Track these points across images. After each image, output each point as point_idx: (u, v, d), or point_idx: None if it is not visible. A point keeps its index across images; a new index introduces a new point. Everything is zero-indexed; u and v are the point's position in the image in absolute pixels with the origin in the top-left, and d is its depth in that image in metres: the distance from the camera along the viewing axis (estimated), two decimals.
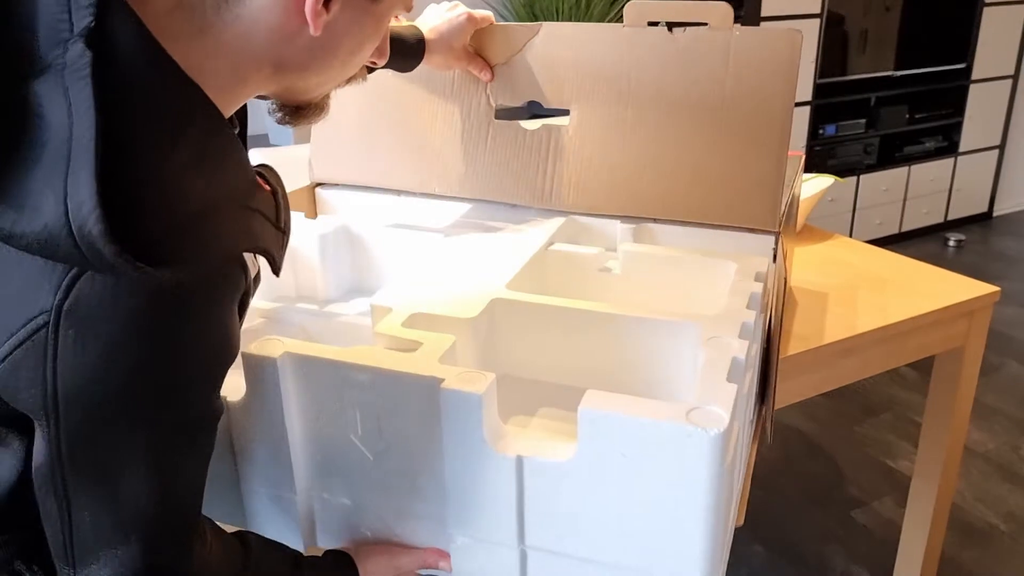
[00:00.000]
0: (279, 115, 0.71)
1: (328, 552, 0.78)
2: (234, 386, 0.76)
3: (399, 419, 0.72)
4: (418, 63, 1.10)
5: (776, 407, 1.31)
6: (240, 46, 0.59)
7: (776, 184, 1.01)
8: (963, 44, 3.65)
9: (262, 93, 0.67)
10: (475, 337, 0.86)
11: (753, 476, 1.08)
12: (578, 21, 2.65)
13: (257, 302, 0.91)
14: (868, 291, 1.48)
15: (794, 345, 1.28)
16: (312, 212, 1.28)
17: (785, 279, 1.13)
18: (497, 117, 1.15)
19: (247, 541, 0.71)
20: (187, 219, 0.54)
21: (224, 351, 0.61)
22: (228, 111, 0.62)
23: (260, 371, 0.74)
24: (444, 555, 0.77)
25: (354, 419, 0.74)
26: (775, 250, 1.03)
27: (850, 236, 3.53)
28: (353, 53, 0.67)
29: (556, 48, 1.09)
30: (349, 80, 0.72)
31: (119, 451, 0.57)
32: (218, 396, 0.64)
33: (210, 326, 0.59)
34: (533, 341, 0.91)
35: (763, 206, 1.03)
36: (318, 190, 1.28)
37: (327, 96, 0.72)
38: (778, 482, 2.13)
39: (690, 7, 1.02)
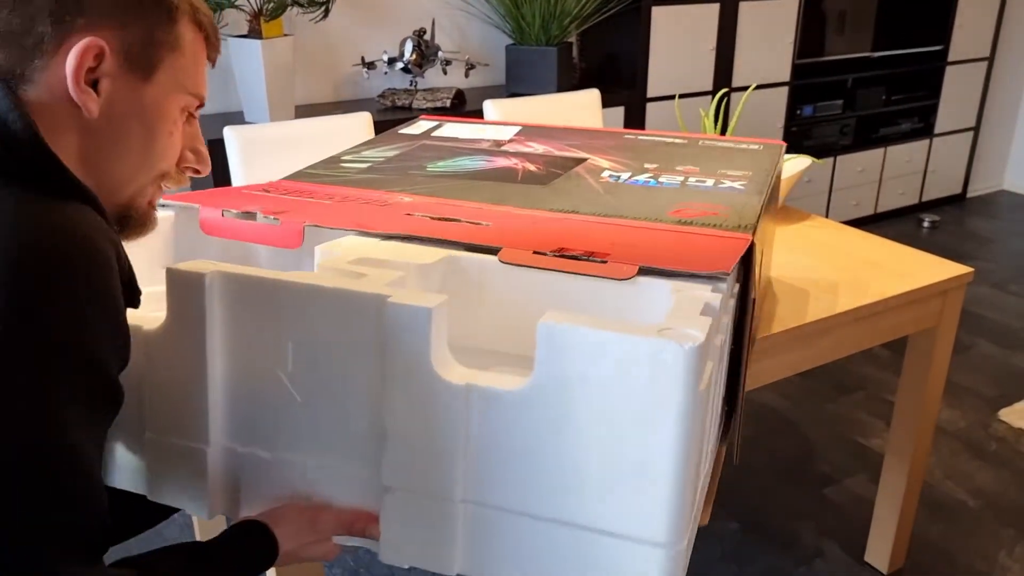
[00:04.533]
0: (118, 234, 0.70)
1: (233, 525, 0.71)
2: (155, 316, 0.70)
3: (337, 348, 0.65)
4: None
5: (751, 387, 1.33)
6: (54, 134, 0.63)
7: None
8: (940, 26, 3.67)
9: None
10: (426, 289, 0.79)
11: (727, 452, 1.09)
12: (552, 12, 2.64)
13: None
14: (843, 271, 1.50)
15: (769, 326, 1.29)
16: None
17: (758, 285, 1.08)
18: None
19: (131, 562, 0.64)
20: None
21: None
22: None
23: (185, 291, 0.66)
24: (372, 518, 0.70)
25: (285, 352, 0.66)
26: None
27: (826, 216, 3.55)
28: (148, 141, 0.69)
29: None
30: (165, 179, 0.73)
31: None
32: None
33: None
34: (489, 306, 0.83)
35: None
36: None
37: (147, 207, 0.73)
38: (751, 459, 2.16)
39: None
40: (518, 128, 1.41)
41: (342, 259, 0.77)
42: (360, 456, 0.67)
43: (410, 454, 0.65)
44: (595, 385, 0.59)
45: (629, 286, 0.78)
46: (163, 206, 0.99)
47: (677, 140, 1.35)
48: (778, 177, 1.25)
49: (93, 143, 0.66)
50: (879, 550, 1.78)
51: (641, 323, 0.76)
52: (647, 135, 1.38)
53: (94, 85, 0.65)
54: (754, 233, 0.94)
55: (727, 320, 0.81)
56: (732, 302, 0.86)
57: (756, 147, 1.31)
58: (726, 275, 0.77)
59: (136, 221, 0.72)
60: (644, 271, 0.78)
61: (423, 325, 0.61)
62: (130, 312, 0.64)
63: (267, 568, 0.70)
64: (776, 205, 1.32)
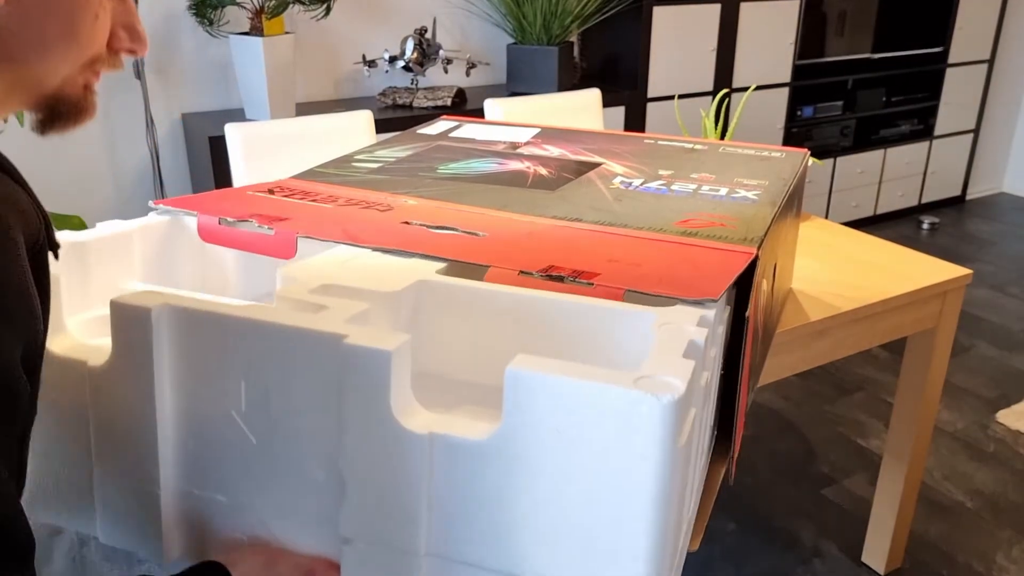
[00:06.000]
0: (39, 122, 0.65)
1: (192, 567, 0.65)
2: (101, 346, 0.65)
3: (292, 388, 0.60)
4: None
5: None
6: None
7: None
8: (940, 28, 3.68)
9: (13, 100, 0.62)
10: (396, 319, 0.75)
11: None
12: (553, 12, 2.64)
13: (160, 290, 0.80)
14: (843, 273, 1.50)
15: None
16: None
17: (768, 298, 1.05)
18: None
19: None
20: None
21: None
22: None
23: (130, 325, 0.61)
24: (333, 566, 0.65)
25: (238, 390, 0.62)
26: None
27: (826, 218, 3.56)
28: (69, 29, 0.61)
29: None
30: (96, 65, 0.66)
31: None
32: None
33: None
34: (462, 333, 0.78)
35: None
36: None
37: (81, 93, 0.66)
38: (751, 460, 2.16)
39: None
40: (537, 130, 1.40)
41: (304, 286, 0.72)
42: (319, 503, 0.63)
43: (370, 504, 0.60)
44: (566, 437, 0.54)
45: (615, 312, 0.74)
46: (161, 212, 0.99)
47: (698, 146, 1.33)
48: (799, 185, 1.24)
49: (2, 40, 0.58)
50: (877, 550, 1.78)
51: (619, 367, 0.70)
52: (668, 139, 1.36)
53: None
54: (760, 246, 0.92)
55: (716, 351, 0.78)
56: (722, 329, 0.83)
57: (778, 155, 1.29)
58: (714, 302, 0.74)
59: (69, 110, 0.65)
60: (632, 294, 0.75)
61: (382, 369, 0.57)
62: (75, 344, 0.59)
63: None
64: (796, 214, 1.30)
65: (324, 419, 0.60)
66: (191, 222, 0.99)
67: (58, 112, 0.65)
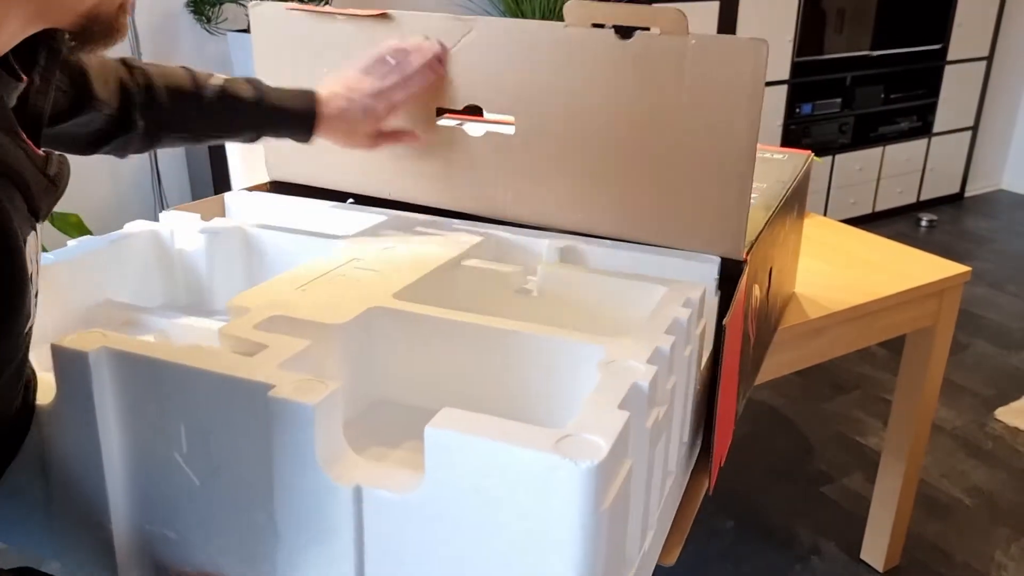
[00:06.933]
0: (72, 46, 0.63)
1: None
2: (47, 385, 0.66)
3: (228, 434, 0.61)
4: (304, 138, 1.00)
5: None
6: None
7: (739, 211, 0.91)
8: (939, 25, 3.67)
9: (35, 20, 0.60)
10: (345, 350, 0.75)
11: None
12: (552, 10, 2.64)
13: (126, 307, 0.79)
14: (841, 270, 1.50)
15: None
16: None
17: (756, 309, 1.04)
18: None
19: None
20: None
21: None
22: None
23: (71, 369, 0.62)
24: None
25: (179, 433, 0.62)
26: (718, 279, 0.92)
27: (824, 215, 3.56)
28: None
29: (493, 50, 0.98)
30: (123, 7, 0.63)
31: None
32: None
33: None
34: (416, 360, 0.78)
35: (724, 229, 0.92)
36: (227, 196, 1.18)
37: (115, 12, 0.63)
38: (748, 458, 2.16)
39: (640, 11, 0.92)
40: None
41: (251, 320, 0.71)
42: (262, 543, 0.62)
43: (301, 550, 0.60)
44: (487, 497, 0.53)
45: (566, 344, 0.73)
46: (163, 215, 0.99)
47: None
48: (800, 187, 1.23)
49: None
50: (875, 548, 1.78)
51: (566, 402, 0.72)
52: None
53: None
54: (749, 251, 0.92)
55: (679, 377, 0.76)
56: (698, 337, 0.81)
57: (780, 156, 1.28)
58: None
59: (101, 30, 0.63)
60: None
61: (306, 423, 0.56)
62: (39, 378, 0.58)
63: None
64: (798, 216, 1.29)
65: (259, 465, 0.60)
66: (166, 234, 0.99)
67: (91, 32, 0.63)
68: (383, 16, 1.03)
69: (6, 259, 0.53)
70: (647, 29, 0.90)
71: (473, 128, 1.05)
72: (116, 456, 0.65)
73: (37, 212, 0.58)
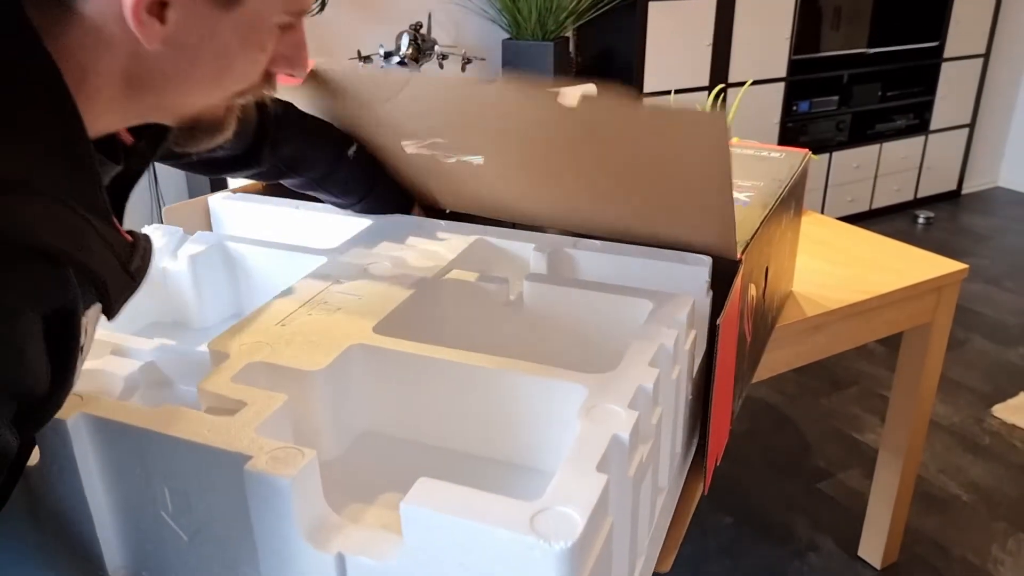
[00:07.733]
0: (174, 138, 0.64)
1: None
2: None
3: (210, 498, 0.61)
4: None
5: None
6: (85, 55, 0.53)
7: (724, 210, 0.85)
8: (936, 22, 3.68)
9: (137, 118, 0.60)
10: (326, 390, 0.75)
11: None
12: (549, 7, 2.64)
13: (114, 330, 0.80)
14: (838, 267, 1.50)
15: None
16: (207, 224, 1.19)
17: (752, 308, 1.03)
18: None
19: None
20: None
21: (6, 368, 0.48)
22: (91, 128, 0.54)
23: (52, 435, 0.63)
24: None
25: (163, 494, 0.63)
26: (709, 282, 0.90)
27: (822, 212, 3.56)
28: (223, 69, 0.58)
29: (438, 103, 0.92)
30: (243, 94, 0.63)
31: None
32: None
33: None
34: (397, 394, 0.78)
35: (713, 230, 0.88)
36: (210, 200, 1.16)
37: (223, 113, 0.64)
38: (746, 454, 2.17)
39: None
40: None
41: (230, 368, 0.71)
42: None
43: None
44: (466, 570, 0.54)
45: (548, 384, 0.72)
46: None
47: None
48: (797, 186, 1.23)
49: (146, 68, 0.55)
50: (873, 544, 1.79)
51: (550, 444, 0.73)
52: None
53: (161, 6, 0.52)
54: (744, 251, 0.91)
55: (665, 404, 0.76)
56: (678, 370, 0.80)
57: (777, 155, 1.28)
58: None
59: (206, 128, 0.63)
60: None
61: (284, 499, 0.56)
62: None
63: None
64: (796, 215, 1.28)
65: (243, 527, 0.60)
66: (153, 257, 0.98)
67: (194, 132, 0.63)
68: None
69: (67, 358, 0.54)
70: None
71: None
72: (105, 511, 0.66)
73: (110, 310, 0.57)
